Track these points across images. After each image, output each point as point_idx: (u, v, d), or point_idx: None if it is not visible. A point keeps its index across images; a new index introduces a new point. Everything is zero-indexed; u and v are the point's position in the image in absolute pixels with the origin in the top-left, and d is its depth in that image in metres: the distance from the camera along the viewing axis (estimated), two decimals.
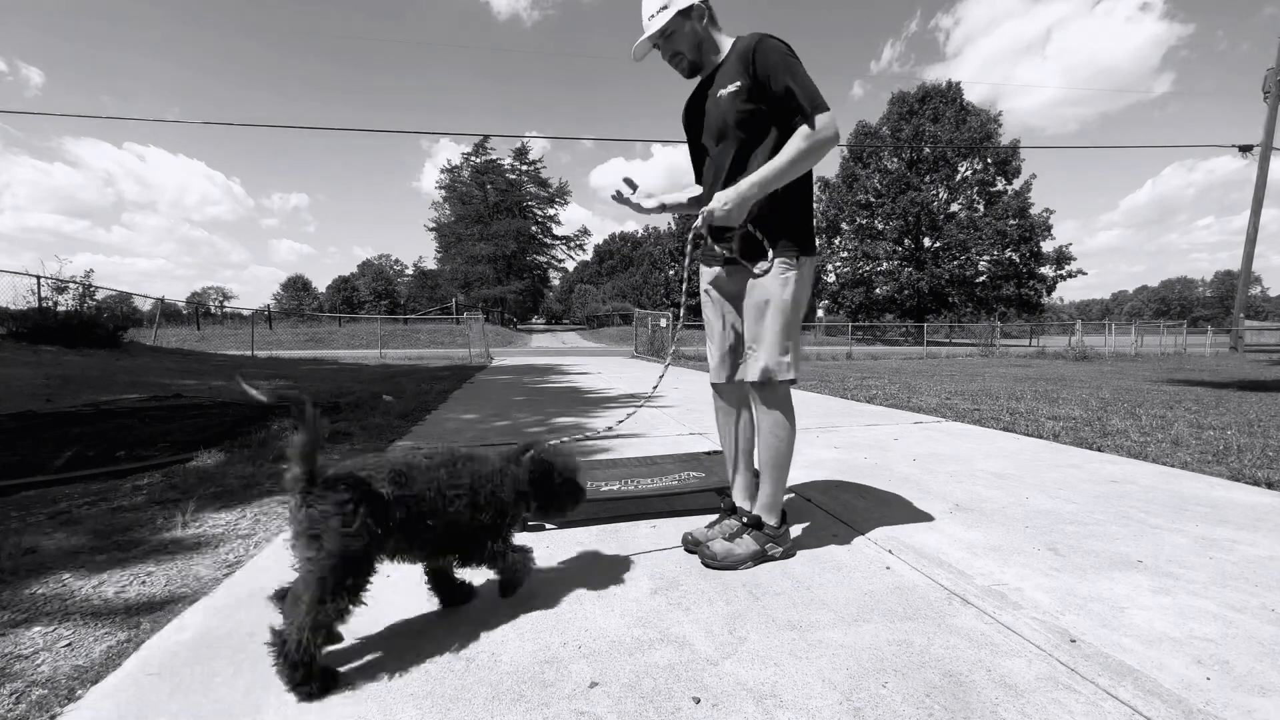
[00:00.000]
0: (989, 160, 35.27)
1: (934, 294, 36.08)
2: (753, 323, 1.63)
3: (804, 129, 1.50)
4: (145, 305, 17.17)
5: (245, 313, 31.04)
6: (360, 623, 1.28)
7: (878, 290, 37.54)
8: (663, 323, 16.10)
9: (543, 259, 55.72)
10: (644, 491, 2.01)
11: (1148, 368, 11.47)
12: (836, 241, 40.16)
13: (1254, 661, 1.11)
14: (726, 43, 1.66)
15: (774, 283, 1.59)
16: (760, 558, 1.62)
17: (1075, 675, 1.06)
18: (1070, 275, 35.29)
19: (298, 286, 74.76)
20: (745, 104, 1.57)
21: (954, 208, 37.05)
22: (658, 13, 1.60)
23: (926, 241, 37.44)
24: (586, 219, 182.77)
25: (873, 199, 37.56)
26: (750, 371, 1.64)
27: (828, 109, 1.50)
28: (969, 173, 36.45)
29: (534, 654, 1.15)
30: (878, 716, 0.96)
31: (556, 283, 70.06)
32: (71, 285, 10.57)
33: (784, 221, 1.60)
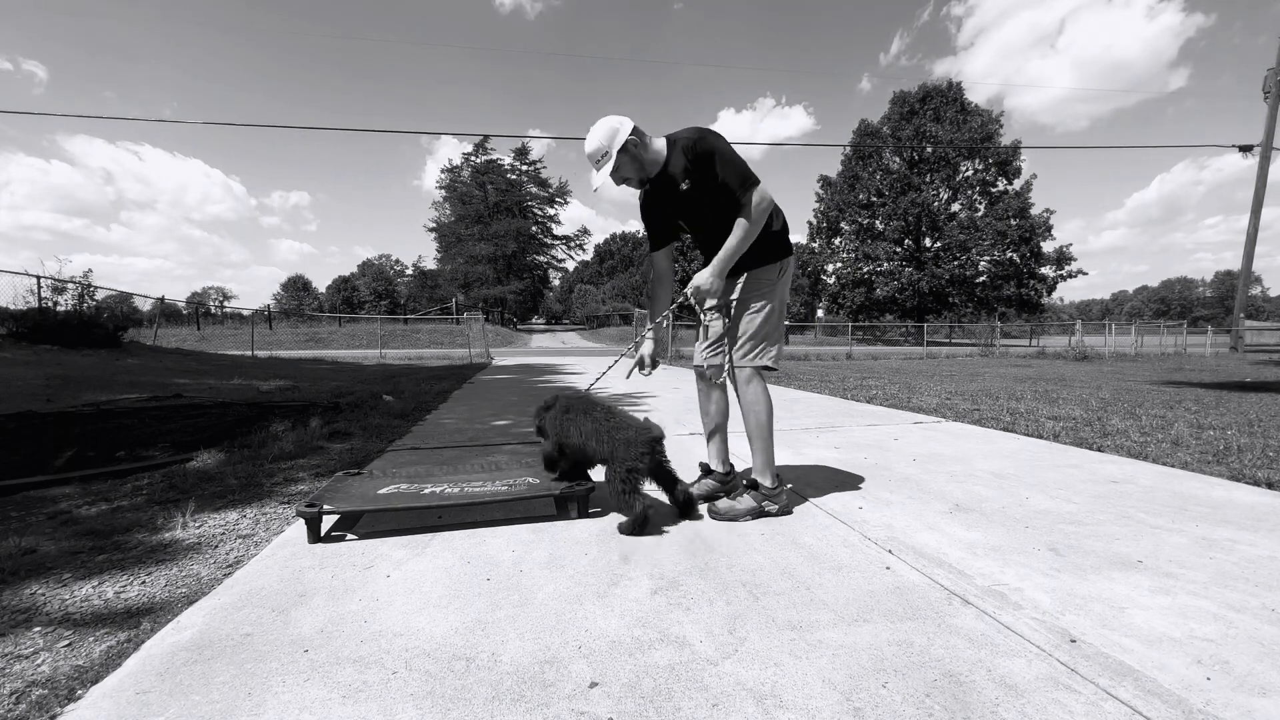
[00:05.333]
0: (990, 160, 35.25)
1: (934, 294, 36.05)
2: (741, 319, 2.03)
3: (749, 203, 1.88)
4: (145, 305, 17.15)
5: (245, 313, 31.06)
6: (360, 622, 1.28)
7: (878, 291, 37.48)
8: (663, 323, 16.08)
9: (543, 259, 55.68)
10: (470, 498, 1.91)
11: (1148, 368, 11.47)
12: (837, 242, 40.11)
13: (1254, 661, 1.11)
14: (661, 144, 1.98)
15: (761, 289, 2.03)
16: (758, 513, 1.97)
17: (1075, 675, 1.06)
18: (1070, 275, 35.26)
19: (298, 286, 74.71)
20: (693, 199, 1.95)
21: (954, 208, 37.02)
22: (602, 159, 1.91)
23: (927, 242, 37.40)
24: (589, 218, 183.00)
25: (874, 199, 37.52)
26: (746, 360, 2.03)
27: (757, 182, 1.89)
28: (970, 172, 36.42)
29: (534, 654, 1.15)
30: (878, 716, 0.96)
31: (556, 283, 70.08)
32: (71, 285, 10.57)
33: (757, 253, 1.99)
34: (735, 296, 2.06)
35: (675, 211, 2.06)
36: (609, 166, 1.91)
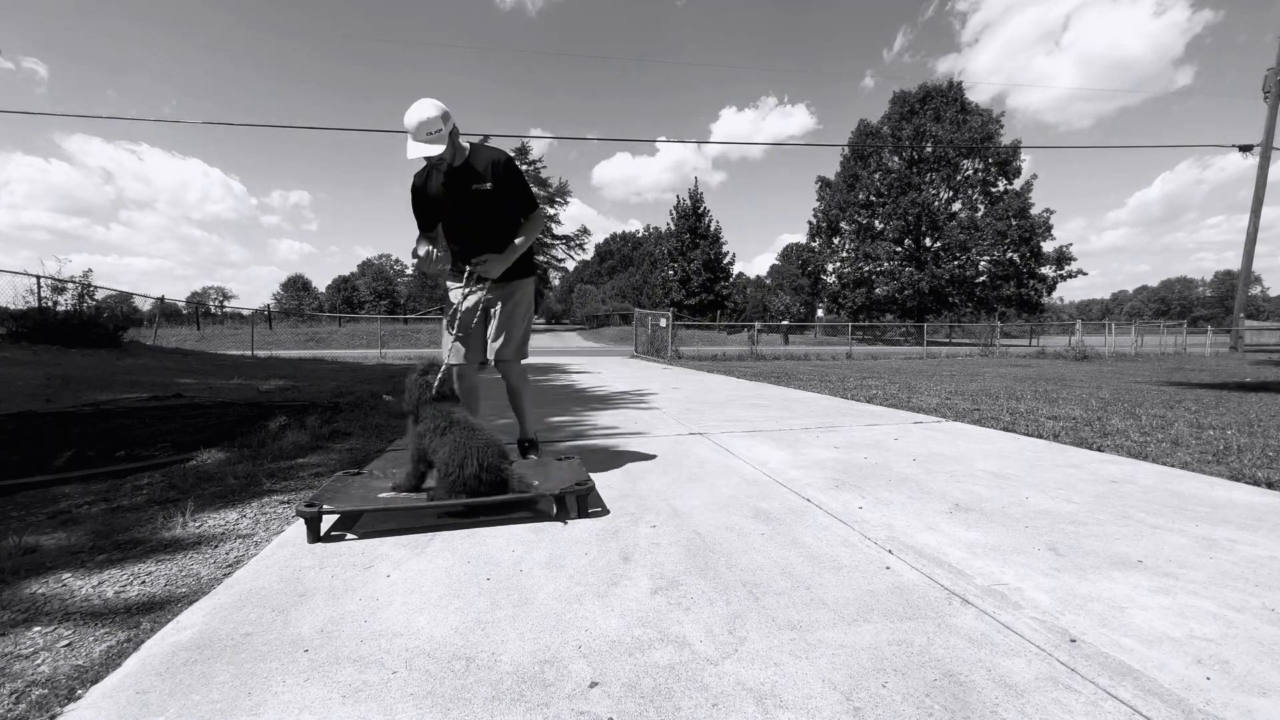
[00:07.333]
0: (990, 160, 35.24)
1: (934, 294, 36.03)
2: (508, 321, 2.58)
3: (533, 219, 2.54)
4: (145, 305, 17.17)
5: (245, 312, 31.13)
6: (360, 622, 1.28)
7: (878, 290, 37.44)
8: (662, 322, 16.05)
9: (543, 259, 55.66)
10: (460, 503, 1.91)
11: (1148, 368, 11.47)
12: (836, 241, 40.08)
13: (1254, 661, 1.11)
14: (464, 144, 2.39)
15: (523, 297, 2.63)
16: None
17: (1075, 675, 1.06)
18: (1070, 275, 35.25)
19: (298, 286, 74.70)
20: (493, 199, 2.40)
21: (955, 208, 37.00)
22: (435, 133, 2.16)
23: (927, 241, 37.36)
24: (589, 217, 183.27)
25: (874, 198, 37.49)
26: (505, 353, 2.61)
27: (538, 203, 2.53)
28: (970, 172, 36.40)
29: (534, 654, 1.15)
30: (878, 716, 0.96)
31: (557, 283, 69.99)
32: (71, 285, 10.58)
33: (523, 268, 2.63)
34: (502, 302, 2.55)
35: (455, 204, 2.39)
36: (443, 141, 2.17)
